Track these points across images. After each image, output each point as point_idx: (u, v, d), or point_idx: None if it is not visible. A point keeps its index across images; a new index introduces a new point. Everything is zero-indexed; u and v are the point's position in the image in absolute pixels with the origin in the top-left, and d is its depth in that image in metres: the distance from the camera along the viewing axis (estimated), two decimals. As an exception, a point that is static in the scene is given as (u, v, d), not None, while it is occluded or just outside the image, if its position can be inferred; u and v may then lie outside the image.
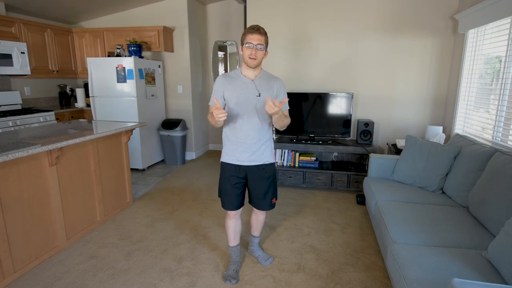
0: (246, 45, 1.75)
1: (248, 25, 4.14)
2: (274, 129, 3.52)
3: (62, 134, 2.48)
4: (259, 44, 1.74)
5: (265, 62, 3.61)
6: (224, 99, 1.87)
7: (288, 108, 1.96)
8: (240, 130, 1.87)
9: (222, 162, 1.99)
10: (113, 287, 1.96)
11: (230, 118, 1.88)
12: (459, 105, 3.33)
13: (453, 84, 3.51)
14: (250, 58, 1.76)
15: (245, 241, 2.49)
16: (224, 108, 1.89)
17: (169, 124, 4.53)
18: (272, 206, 2.06)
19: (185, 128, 4.64)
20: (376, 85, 3.84)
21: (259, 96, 1.83)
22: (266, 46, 1.80)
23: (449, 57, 3.59)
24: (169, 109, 4.91)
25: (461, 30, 3.23)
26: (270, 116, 1.91)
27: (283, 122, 1.86)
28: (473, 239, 1.75)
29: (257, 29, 1.74)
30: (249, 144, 1.88)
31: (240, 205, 2.01)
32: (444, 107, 3.71)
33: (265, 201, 2.02)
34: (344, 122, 3.73)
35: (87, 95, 4.76)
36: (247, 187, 2.03)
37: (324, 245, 2.46)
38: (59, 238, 2.35)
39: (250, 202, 2.08)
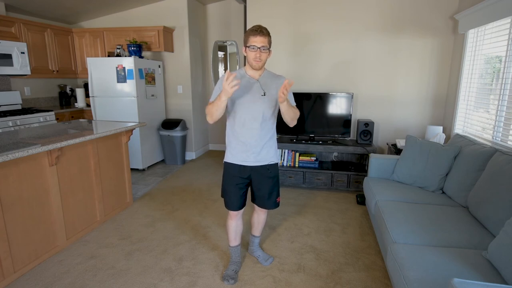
0: (250, 47, 1.73)
1: (248, 25, 4.13)
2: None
3: (62, 134, 2.47)
4: (263, 46, 1.72)
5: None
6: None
7: (295, 104, 1.95)
8: (244, 130, 1.85)
9: (225, 162, 1.98)
10: (113, 287, 1.96)
11: (234, 118, 1.87)
12: (459, 105, 3.32)
13: (453, 84, 3.51)
14: (255, 61, 1.75)
15: (245, 241, 2.49)
16: (226, 108, 1.88)
17: (169, 124, 4.53)
18: (276, 205, 2.06)
19: (185, 128, 4.64)
20: (376, 85, 3.84)
21: (264, 95, 1.82)
22: (270, 46, 1.78)
23: (449, 57, 3.59)
24: (169, 109, 4.91)
25: (461, 30, 3.23)
26: (275, 116, 1.91)
27: (293, 112, 1.81)
28: (473, 239, 1.74)
29: (260, 31, 1.71)
30: (254, 144, 1.87)
31: (242, 205, 2.01)
32: (444, 107, 3.71)
33: (270, 201, 2.02)
34: (344, 122, 3.73)
35: (87, 95, 4.76)
36: (250, 187, 2.03)
37: (324, 245, 2.46)
38: (59, 238, 2.35)
39: (254, 201, 2.08)
